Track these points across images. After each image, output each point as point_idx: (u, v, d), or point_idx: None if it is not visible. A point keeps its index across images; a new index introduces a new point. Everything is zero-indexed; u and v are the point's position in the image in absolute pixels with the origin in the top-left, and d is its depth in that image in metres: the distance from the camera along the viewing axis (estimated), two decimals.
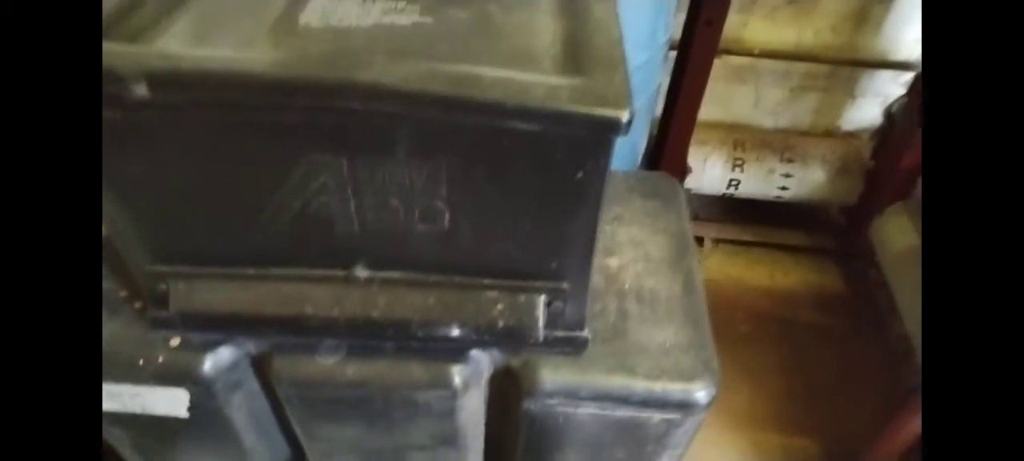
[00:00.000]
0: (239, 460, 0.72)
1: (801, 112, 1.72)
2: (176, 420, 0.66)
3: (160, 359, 0.62)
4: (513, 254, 0.53)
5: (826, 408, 1.37)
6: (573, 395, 0.61)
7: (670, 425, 0.63)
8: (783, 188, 1.63)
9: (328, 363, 0.62)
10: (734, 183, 1.64)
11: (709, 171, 1.64)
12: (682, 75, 1.40)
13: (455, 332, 0.56)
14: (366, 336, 0.59)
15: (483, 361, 0.62)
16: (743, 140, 1.63)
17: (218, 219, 0.53)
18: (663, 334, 0.64)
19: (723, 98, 1.70)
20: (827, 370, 1.45)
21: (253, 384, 0.66)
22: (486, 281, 0.55)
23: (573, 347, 0.60)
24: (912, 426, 1.18)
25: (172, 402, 0.65)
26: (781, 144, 1.62)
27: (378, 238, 0.53)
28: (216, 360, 0.62)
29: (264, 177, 0.49)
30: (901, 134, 1.51)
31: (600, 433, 0.65)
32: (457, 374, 0.61)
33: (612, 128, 0.43)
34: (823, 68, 1.61)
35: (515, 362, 0.62)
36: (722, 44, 1.42)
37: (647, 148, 1.59)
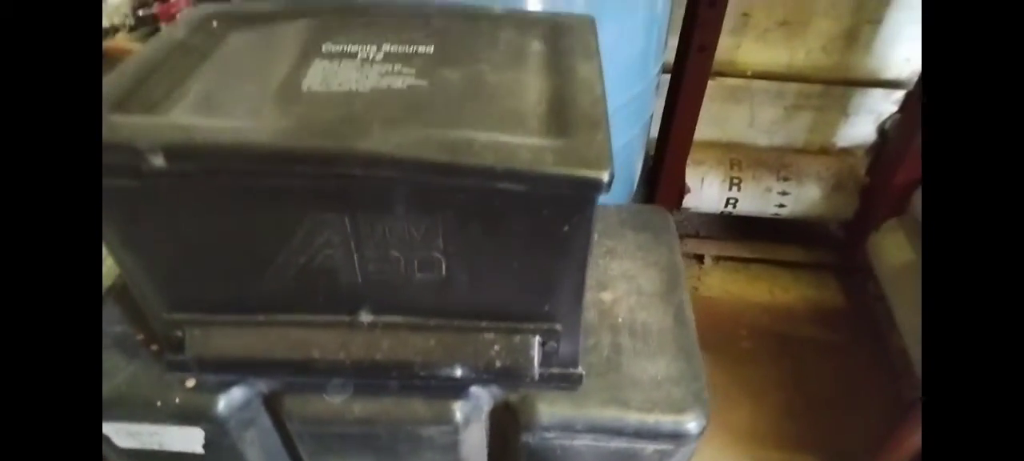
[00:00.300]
0: None
1: (796, 130, 1.75)
2: (192, 456, 0.69)
3: (177, 400, 0.65)
4: (507, 299, 0.56)
5: (827, 423, 1.39)
6: (569, 428, 0.64)
7: (663, 455, 0.66)
8: (780, 206, 1.66)
9: (336, 401, 0.65)
10: (732, 202, 1.67)
11: (707, 190, 1.67)
12: (677, 99, 1.44)
13: (455, 372, 0.60)
14: (371, 376, 0.62)
15: (483, 397, 0.65)
16: (739, 159, 1.66)
17: (230, 272, 0.57)
18: (655, 367, 0.67)
19: (718, 118, 1.73)
20: (827, 385, 1.47)
21: (265, 421, 0.70)
22: (483, 324, 0.58)
23: (568, 383, 0.63)
24: (912, 441, 1.20)
25: (188, 440, 0.68)
26: (777, 162, 1.65)
27: (380, 286, 0.56)
28: (229, 400, 0.65)
29: (272, 234, 0.53)
30: (894, 150, 1.54)
31: None
32: (458, 410, 0.64)
33: (594, 188, 0.46)
34: (816, 87, 1.64)
35: (514, 397, 0.64)
36: (715, 66, 1.45)
37: (645, 169, 1.62)
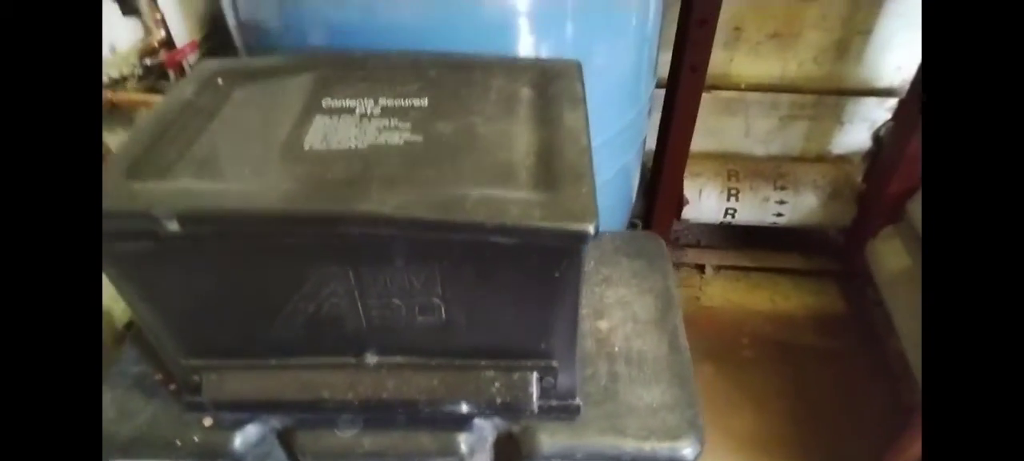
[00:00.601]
0: None
1: (791, 139, 1.77)
2: None
3: (195, 438, 0.68)
4: (505, 339, 0.59)
5: (828, 430, 1.41)
6: (569, 457, 0.66)
7: None
8: (778, 214, 1.68)
9: (346, 436, 0.68)
10: (731, 212, 1.69)
11: (705, 202, 1.69)
12: (671, 116, 1.46)
13: (457, 408, 0.63)
14: (378, 414, 0.65)
15: (486, 429, 0.68)
16: (736, 170, 1.68)
17: (242, 321, 0.60)
18: (651, 395, 0.69)
19: (715, 130, 1.76)
20: (829, 392, 1.49)
21: (280, 455, 0.73)
22: (483, 362, 0.61)
23: (567, 413, 0.66)
24: (913, 447, 1.22)
25: None
26: (773, 172, 1.67)
27: (384, 330, 0.60)
28: (245, 437, 0.68)
29: (281, 287, 0.56)
30: (889, 157, 1.56)
31: None
32: (463, 442, 0.67)
33: (580, 239, 0.49)
34: (810, 97, 1.67)
35: (515, 428, 0.67)
36: (709, 80, 1.47)
37: (643, 181, 1.64)
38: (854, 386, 1.49)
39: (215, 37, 1.17)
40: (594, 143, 1.02)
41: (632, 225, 1.75)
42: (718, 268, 1.80)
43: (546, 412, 0.65)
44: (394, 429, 0.67)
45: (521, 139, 0.59)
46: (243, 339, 0.62)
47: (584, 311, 0.78)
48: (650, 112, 1.28)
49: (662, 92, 1.46)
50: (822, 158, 1.81)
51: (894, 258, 1.51)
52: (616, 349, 0.74)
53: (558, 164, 0.54)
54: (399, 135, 0.59)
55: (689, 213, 1.71)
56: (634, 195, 1.43)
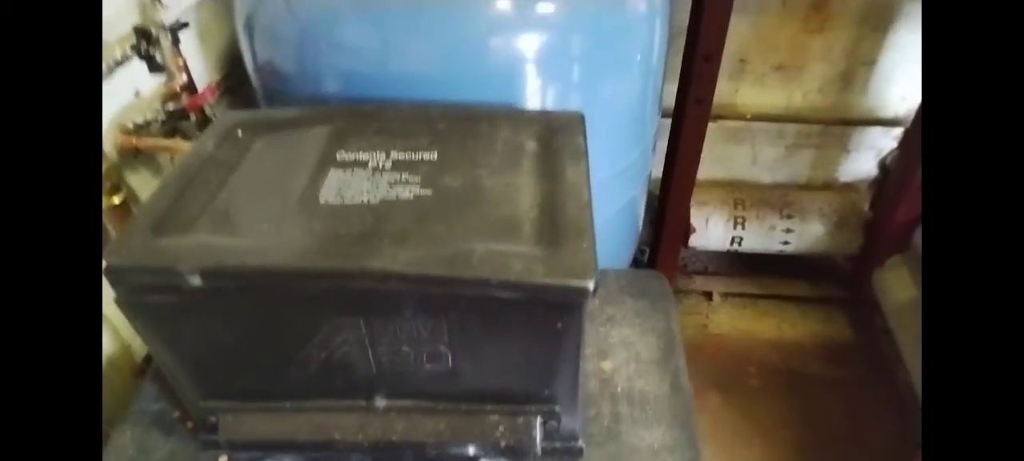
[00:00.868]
0: None
1: (798, 167, 1.79)
2: None
3: None
4: (510, 385, 0.62)
5: (836, 460, 1.41)
6: None
7: None
8: (785, 242, 1.69)
9: None
10: (737, 240, 1.71)
11: (712, 230, 1.71)
12: (677, 147, 1.48)
13: (463, 451, 0.65)
14: (388, 455, 0.67)
15: None
16: (743, 198, 1.70)
17: (258, 367, 0.63)
18: (652, 435, 0.71)
19: (721, 158, 1.78)
20: (837, 421, 1.48)
21: None
22: (488, 407, 0.64)
23: (570, 455, 0.68)
24: None
25: None
26: (780, 200, 1.69)
27: (393, 376, 0.62)
28: None
29: (295, 335, 0.59)
30: (896, 185, 1.57)
31: None
32: None
33: (580, 295, 0.51)
34: (815, 127, 1.68)
35: None
36: (715, 110, 1.49)
37: (650, 209, 1.66)
38: (862, 416, 1.49)
39: (234, 75, 1.22)
40: (603, 176, 1.06)
41: (640, 251, 1.77)
42: (725, 295, 1.81)
43: (549, 454, 0.67)
44: None
45: (525, 192, 0.61)
46: (259, 383, 0.65)
47: (588, 351, 0.80)
48: (657, 140, 1.30)
49: (668, 121, 1.48)
50: (829, 186, 1.82)
51: (901, 287, 1.51)
52: (619, 389, 0.76)
53: (560, 219, 0.57)
54: (409, 189, 0.62)
55: (696, 241, 1.73)
56: (641, 224, 1.45)
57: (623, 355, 0.80)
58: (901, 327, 1.47)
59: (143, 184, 1.01)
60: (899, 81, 1.58)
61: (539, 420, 0.64)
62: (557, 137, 0.69)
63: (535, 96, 0.92)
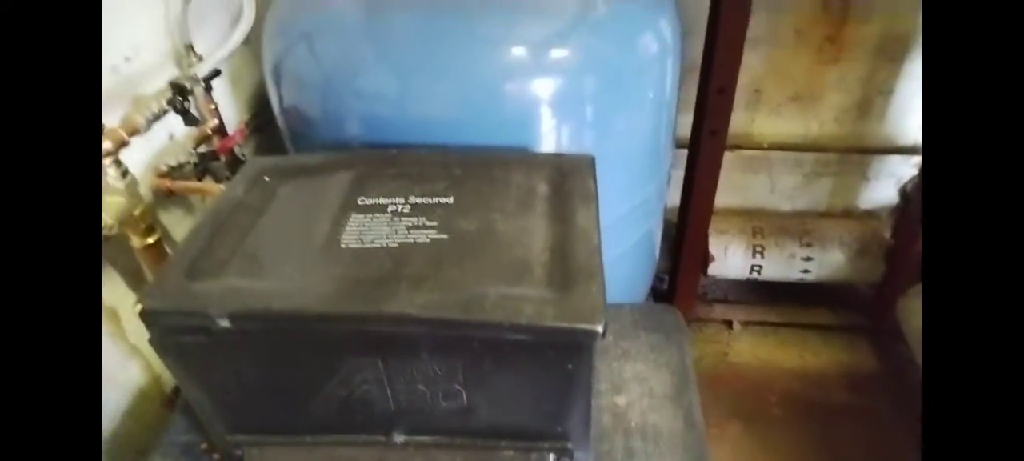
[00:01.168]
0: None
1: (817, 195, 1.78)
2: None
3: None
4: (523, 422, 0.63)
5: None
6: None
7: None
8: (805, 271, 1.68)
9: None
10: (756, 268, 1.70)
11: (731, 258, 1.71)
12: (693, 178, 1.50)
13: None
14: None
15: None
16: (761, 226, 1.70)
17: (282, 403, 0.66)
18: None
19: (739, 186, 1.78)
20: (860, 451, 1.46)
21: None
22: (502, 443, 0.65)
23: None
24: None
25: None
26: (799, 228, 1.68)
27: (410, 413, 0.64)
28: None
29: (317, 374, 0.62)
30: (916, 213, 1.56)
31: None
32: None
33: (590, 338, 0.53)
34: (833, 155, 1.68)
35: None
36: (731, 140, 1.51)
37: (668, 237, 1.67)
38: (886, 446, 1.46)
39: (261, 116, 1.27)
40: (619, 211, 1.08)
41: (660, 279, 1.77)
42: (746, 324, 1.80)
43: None
44: None
45: (537, 235, 0.64)
46: (283, 418, 0.67)
47: (602, 386, 0.82)
48: (672, 171, 1.32)
49: (685, 152, 1.50)
50: (849, 214, 1.81)
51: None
52: (632, 424, 0.77)
53: (570, 262, 0.59)
54: (426, 233, 0.64)
55: (715, 270, 1.73)
56: (657, 254, 1.46)
57: (637, 390, 0.81)
58: None
59: (175, 223, 1.06)
60: (917, 110, 1.58)
61: (552, 456, 0.65)
62: (568, 180, 0.71)
63: (550, 135, 0.94)
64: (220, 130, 1.04)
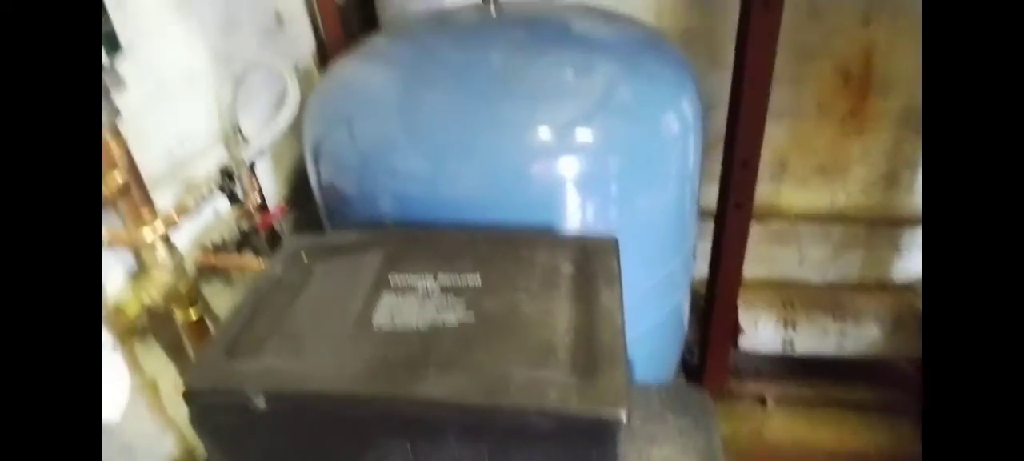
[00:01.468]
0: None
1: (848, 267, 1.76)
2: None
3: None
4: None
5: None
6: None
7: None
8: (840, 346, 1.64)
9: None
10: (789, 343, 1.67)
11: (762, 332, 1.68)
12: (720, 251, 1.50)
13: None
14: None
15: None
16: (792, 299, 1.67)
17: None
18: None
19: (767, 258, 1.77)
20: None
21: None
22: None
23: None
24: None
25: None
26: (831, 301, 1.65)
27: None
28: None
29: (348, 455, 0.63)
30: None
31: None
32: None
33: (614, 426, 0.54)
34: (862, 226, 1.67)
35: None
36: (758, 211, 1.51)
37: (696, 308, 1.65)
38: None
39: (300, 192, 1.33)
40: (644, 287, 1.08)
41: (689, 351, 1.74)
42: (780, 400, 1.74)
43: None
44: None
45: (561, 317, 0.65)
46: None
47: None
48: (698, 241, 1.33)
49: (711, 223, 1.50)
50: (883, 286, 1.77)
51: None
52: None
53: (594, 345, 0.60)
54: (454, 314, 0.66)
55: (746, 343, 1.70)
56: (686, 327, 1.45)
57: None
58: None
59: (215, 294, 1.11)
60: None
61: None
62: (592, 261, 0.73)
63: (575, 212, 0.97)
64: (262, 206, 1.10)
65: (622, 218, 1.01)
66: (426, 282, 0.72)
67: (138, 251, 0.88)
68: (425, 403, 0.56)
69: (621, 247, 0.76)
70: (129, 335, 0.90)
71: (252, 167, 1.07)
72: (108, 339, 0.87)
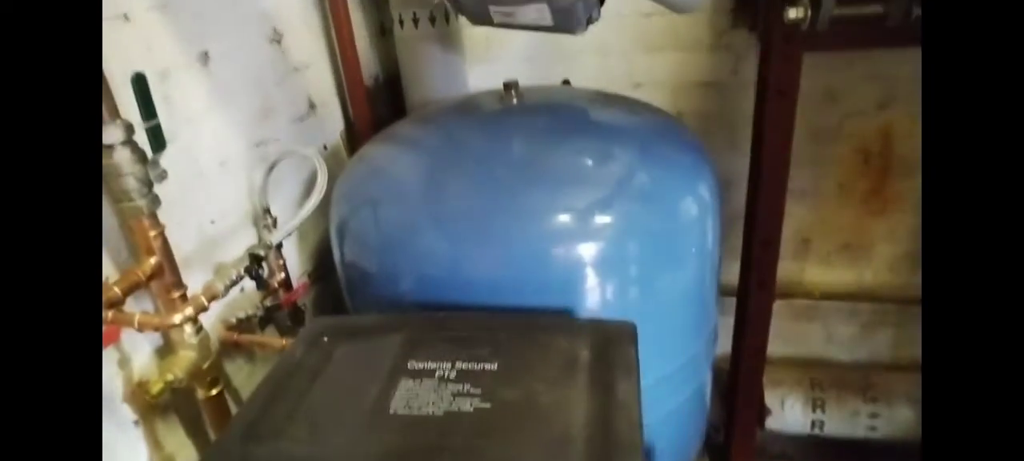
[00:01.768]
0: None
1: (878, 347, 1.71)
2: None
3: None
4: None
5: None
6: None
7: None
8: (872, 428, 1.57)
9: None
10: (818, 424, 1.61)
11: (789, 412, 1.62)
12: (743, 331, 1.48)
13: None
14: None
15: None
16: (820, 379, 1.63)
17: None
18: None
19: (792, 336, 1.73)
20: None
21: None
22: None
23: None
24: None
25: None
26: (862, 382, 1.60)
27: None
28: None
29: None
30: None
31: None
32: None
33: None
34: (891, 305, 1.63)
35: None
36: (782, 288, 1.49)
37: (719, 387, 1.61)
38: None
39: (323, 267, 1.36)
40: (666, 370, 1.06)
41: (715, 429, 1.69)
42: None
43: None
44: None
45: (578, 408, 0.65)
46: None
47: None
48: (723, 315, 1.31)
49: (734, 300, 1.48)
50: (916, 367, 1.71)
51: None
52: None
53: (611, 438, 0.60)
54: (471, 402, 0.67)
55: (773, 424, 1.64)
56: (709, 408, 1.41)
57: None
58: None
59: (236, 370, 1.12)
60: None
61: None
62: (610, 348, 0.73)
63: (595, 294, 0.98)
64: (286, 284, 1.13)
65: (643, 299, 1.01)
66: (444, 367, 0.73)
67: (166, 332, 0.91)
68: None
69: (642, 330, 0.76)
70: (151, 412, 0.92)
71: (279, 246, 1.10)
72: (129, 415, 0.89)
